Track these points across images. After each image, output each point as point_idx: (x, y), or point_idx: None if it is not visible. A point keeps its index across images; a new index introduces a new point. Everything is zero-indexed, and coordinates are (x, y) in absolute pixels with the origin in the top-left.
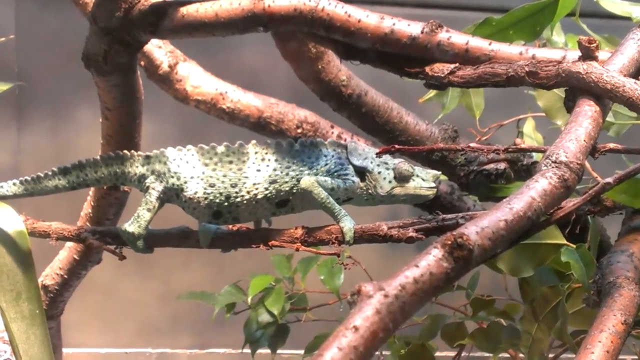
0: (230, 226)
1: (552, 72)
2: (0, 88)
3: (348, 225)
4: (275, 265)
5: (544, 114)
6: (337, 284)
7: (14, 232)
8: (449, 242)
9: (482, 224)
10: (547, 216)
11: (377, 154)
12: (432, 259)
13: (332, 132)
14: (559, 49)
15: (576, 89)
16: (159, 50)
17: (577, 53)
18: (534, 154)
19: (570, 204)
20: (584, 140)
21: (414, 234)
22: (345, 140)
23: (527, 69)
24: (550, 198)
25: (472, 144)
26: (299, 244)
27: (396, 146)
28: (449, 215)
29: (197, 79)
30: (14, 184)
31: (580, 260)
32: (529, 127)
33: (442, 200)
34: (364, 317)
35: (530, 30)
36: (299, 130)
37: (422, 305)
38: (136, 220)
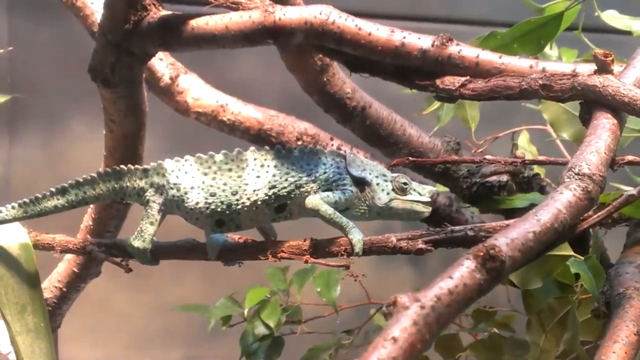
0: (237, 238)
1: (567, 85)
2: None
3: (357, 237)
4: (270, 278)
5: (538, 127)
6: (334, 296)
7: (18, 245)
8: (481, 254)
9: (512, 235)
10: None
11: (391, 165)
12: (465, 270)
13: (332, 144)
14: (569, 63)
15: (592, 102)
16: (160, 62)
17: (587, 66)
18: (534, 166)
19: (594, 215)
20: (604, 153)
21: (423, 246)
22: (345, 152)
23: (541, 82)
24: (575, 210)
25: (487, 156)
26: (308, 256)
27: (410, 158)
28: (458, 227)
29: (197, 91)
30: (13, 207)
31: (590, 271)
32: (523, 139)
33: (440, 212)
34: (402, 328)
35: (534, 44)
36: (299, 143)
37: (456, 316)
38: (140, 235)
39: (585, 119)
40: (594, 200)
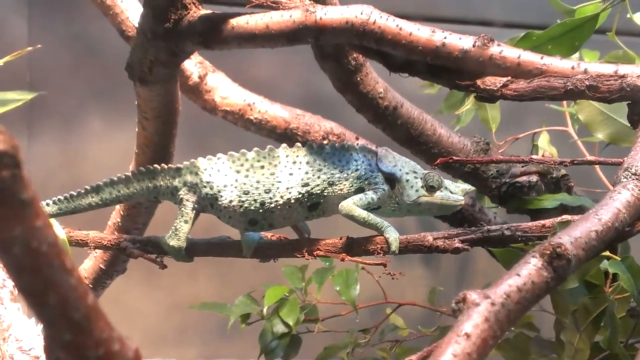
0: (270, 235)
1: (615, 87)
2: (25, 97)
3: (393, 235)
4: (287, 276)
5: (558, 128)
6: (354, 295)
7: None
8: (548, 252)
9: (575, 234)
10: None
11: (435, 164)
12: (532, 268)
13: (357, 144)
14: (610, 64)
15: None
16: (189, 61)
17: (630, 67)
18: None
19: None
20: None
21: (460, 245)
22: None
23: (587, 82)
24: (634, 209)
25: (533, 156)
26: (344, 254)
27: (454, 157)
28: (494, 227)
29: (225, 90)
30: (47, 204)
31: (628, 271)
32: (543, 140)
33: (463, 212)
34: (474, 324)
35: (568, 45)
36: (325, 142)
37: (524, 313)
38: (175, 234)
39: (634, 120)
40: None
